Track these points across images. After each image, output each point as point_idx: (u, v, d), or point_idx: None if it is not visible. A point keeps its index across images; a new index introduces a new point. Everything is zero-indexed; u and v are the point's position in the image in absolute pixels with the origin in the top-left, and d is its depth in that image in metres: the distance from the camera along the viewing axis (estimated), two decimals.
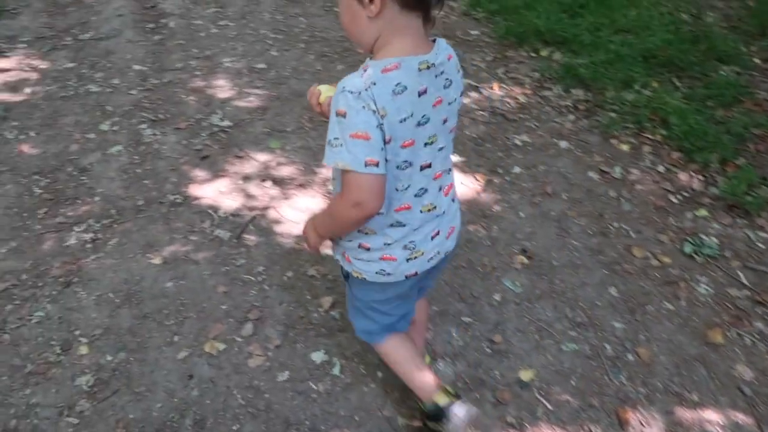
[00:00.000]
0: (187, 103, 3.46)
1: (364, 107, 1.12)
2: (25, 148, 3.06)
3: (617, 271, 2.43)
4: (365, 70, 1.16)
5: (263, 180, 2.88)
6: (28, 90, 3.57)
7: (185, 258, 2.43)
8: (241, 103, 3.46)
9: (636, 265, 2.46)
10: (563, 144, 3.16)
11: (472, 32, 4.32)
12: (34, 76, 3.72)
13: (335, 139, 1.16)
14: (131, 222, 2.61)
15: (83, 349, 2.06)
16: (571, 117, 3.37)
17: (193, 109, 3.40)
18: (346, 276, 1.55)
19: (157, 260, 2.42)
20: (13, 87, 3.59)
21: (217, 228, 2.59)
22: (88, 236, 2.53)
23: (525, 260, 2.46)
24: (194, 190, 2.80)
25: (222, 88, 3.60)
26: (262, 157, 3.04)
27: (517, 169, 2.98)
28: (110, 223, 2.60)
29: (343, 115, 1.14)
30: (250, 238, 2.55)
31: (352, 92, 1.13)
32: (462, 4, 4.72)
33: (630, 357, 2.10)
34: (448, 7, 4.71)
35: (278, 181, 2.86)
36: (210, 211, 2.68)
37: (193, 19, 4.49)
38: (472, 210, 2.72)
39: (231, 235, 2.56)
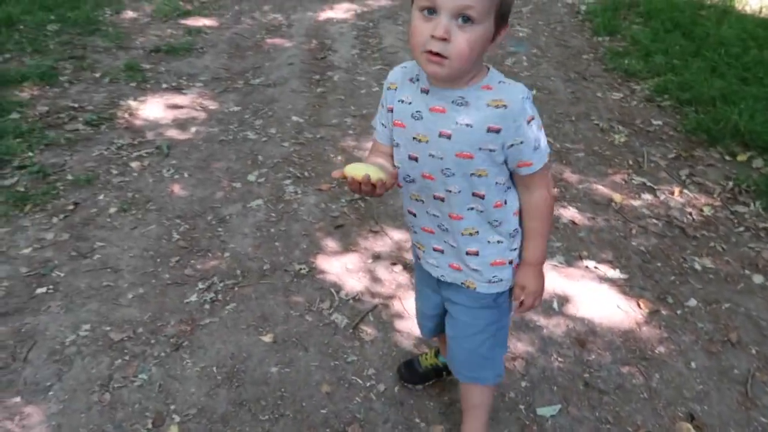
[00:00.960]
0: (334, 163, 3.38)
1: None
2: (176, 189, 3.14)
3: None
4: (509, 80, 1.30)
5: (393, 263, 2.66)
6: (193, 129, 3.72)
7: (296, 342, 2.26)
8: None
9: None
10: (757, 279, 2.57)
11: (655, 122, 3.82)
12: (202, 115, 3.89)
13: (541, 139, 1.31)
14: (252, 287, 2.51)
15: (173, 430, 1.93)
16: None
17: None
18: (496, 298, 1.54)
19: (267, 338, 2.27)
20: (182, 125, 3.77)
21: (335, 311, 2.40)
22: (209, 296, 2.46)
23: (692, 430, 1.95)
24: (322, 262, 2.65)
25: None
26: (398, 235, 2.83)
27: (692, 302, 2.46)
28: (233, 284, 2.52)
29: (534, 117, 1.28)
30: (367, 331, 2.31)
31: (528, 97, 1.27)
32: (646, 87, 4.23)
33: None
34: (627, 88, 4.26)
35: (409, 267, 2.62)
36: (332, 290, 2.51)
37: (358, 74, 4.50)
38: (628, 346, 2.26)
39: (348, 323, 2.35)
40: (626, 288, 2.53)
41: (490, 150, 1.27)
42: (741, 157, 3.36)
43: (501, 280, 1.48)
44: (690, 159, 3.42)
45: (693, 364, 2.19)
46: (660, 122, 3.81)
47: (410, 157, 1.36)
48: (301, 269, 2.61)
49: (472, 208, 1.38)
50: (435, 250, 1.51)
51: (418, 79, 1.32)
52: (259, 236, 2.81)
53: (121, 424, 1.95)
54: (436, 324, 1.75)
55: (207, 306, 2.42)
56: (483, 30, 1.16)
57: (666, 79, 4.16)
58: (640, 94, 4.17)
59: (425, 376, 2.08)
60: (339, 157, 3.43)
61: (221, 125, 3.78)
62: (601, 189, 3.17)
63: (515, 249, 1.46)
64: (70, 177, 3.18)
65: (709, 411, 2.02)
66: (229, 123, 3.81)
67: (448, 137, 1.28)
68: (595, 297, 2.48)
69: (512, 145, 1.27)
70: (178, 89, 4.21)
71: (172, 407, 2.01)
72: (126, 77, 4.31)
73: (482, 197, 1.35)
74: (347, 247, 2.75)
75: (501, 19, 1.19)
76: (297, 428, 1.95)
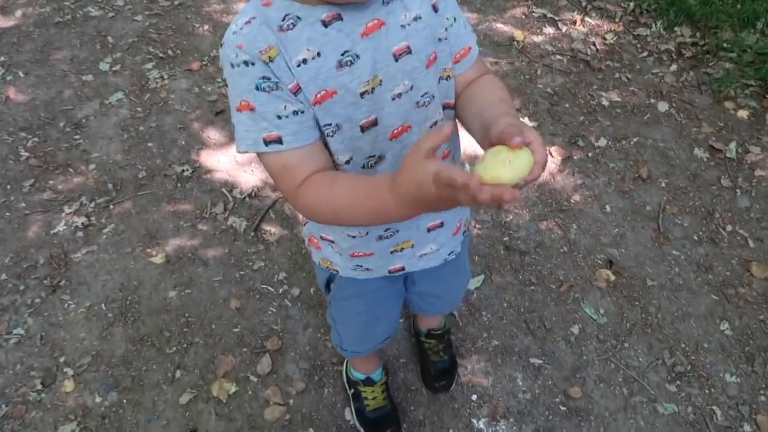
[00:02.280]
0: (201, 36, 2.88)
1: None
2: (12, 94, 2.59)
3: (730, 297, 1.91)
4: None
5: None
6: (18, 13, 3.02)
7: (192, 257, 2.01)
8: None
9: (755, 289, 1.93)
10: (662, 106, 2.51)
11: None
12: None
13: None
14: (130, 202, 2.17)
15: (68, 385, 1.71)
16: (674, 67, 2.68)
17: (207, 44, 2.83)
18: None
19: (158, 259, 2.00)
20: (1, 9, 3.04)
21: (231, 214, 2.14)
22: (80, 221, 2.11)
23: (611, 276, 1.96)
24: (206, 158, 2.32)
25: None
26: None
27: (602, 142, 2.38)
28: (106, 202, 2.17)
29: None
30: (271, 231, 2.09)
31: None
32: None
33: (747, 428, 1.64)
34: None
35: None
36: (224, 190, 2.22)
37: None
38: (544, 200, 2.18)
39: (247, 226, 2.10)
40: None
41: (442, 38, 0.93)
42: None
43: None
44: None
45: (608, 208, 2.15)
46: None
47: (364, 128, 0.90)
48: (183, 171, 2.27)
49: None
50: (431, 229, 1.12)
51: (299, 18, 0.82)
52: (127, 138, 2.40)
53: (4, 391, 1.69)
54: (395, 329, 1.46)
55: (80, 233, 2.08)
56: None
57: None
58: None
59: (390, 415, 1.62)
60: (206, 27, 2.92)
61: (53, 3, 3.08)
62: (502, 27, 2.91)
63: None
64: None
65: (626, 253, 2.02)
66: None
67: (408, 50, 0.88)
68: None
69: (450, 26, 0.94)
70: None
71: (62, 360, 1.76)
72: None
73: (452, 106, 1.01)
74: (233, 135, 2.41)
75: None
76: (210, 354, 1.77)
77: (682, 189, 2.21)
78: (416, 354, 1.76)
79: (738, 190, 2.20)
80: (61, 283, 1.94)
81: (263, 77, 0.81)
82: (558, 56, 2.75)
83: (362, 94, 0.87)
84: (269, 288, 1.93)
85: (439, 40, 0.92)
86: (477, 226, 2.09)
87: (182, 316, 1.86)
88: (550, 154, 2.33)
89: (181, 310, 1.87)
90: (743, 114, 2.45)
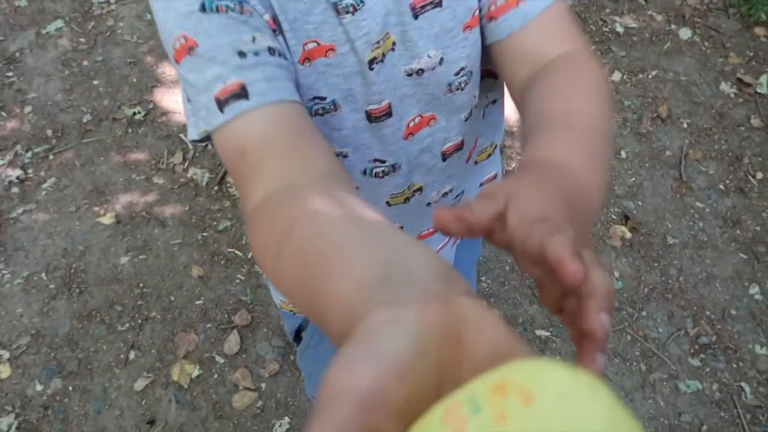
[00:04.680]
0: None
1: None
2: None
3: (760, 255, 1.69)
4: None
5: None
6: None
7: (147, 215, 1.74)
8: None
9: None
10: (684, 33, 2.20)
11: None
12: None
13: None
14: (74, 151, 1.88)
15: (4, 371, 1.47)
16: None
17: None
18: None
19: (108, 218, 1.73)
20: None
21: (191, 165, 1.85)
22: (14, 174, 1.82)
23: (627, 234, 1.72)
24: (161, 98, 2.00)
25: None
26: None
27: (617, 76, 2.08)
28: (45, 152, 1.87)
29: None
30: None
31: None
32: None
33: None
34: None
35: None
36: (182, 135, 1.92)
37: None
38: None
39: (210, 178, 1.82)
40: None
41: None
42: None
43: None
44: None
45: (623, 153, 1.89)
46: None
47: (372, 117, 0.60)
48: (135, 114, 1.96)
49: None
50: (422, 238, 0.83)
51: None
52: (69, 75, 2.06)
53: None
54: None
55: (15, 189, 1.79)
56: None
57: None
58: None
59: None
60: None
61: None
62: None
63: None
64: None
65: (643, 206, 1.78)
66: None
67: (435, 1, 0.55)
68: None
69: None
70: None
71: None
72: None
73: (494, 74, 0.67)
74: None
75: None
76: (169, 332, 1.54)
77: (706, 130, 1.94)
78: None
79: None
80: None
81: None
82: None
83: (371, 63, 0.55)
84: (237, 252, 1.67)
85: None
86: None
87: (136, 287, 1.61)
88: None
89: (134, 280, 1.62)
90: None
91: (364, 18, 0.53)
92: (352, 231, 0.34)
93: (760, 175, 1.84)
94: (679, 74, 2.09)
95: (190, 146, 1.89)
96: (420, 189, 0.70)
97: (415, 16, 0.55)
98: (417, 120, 0.62)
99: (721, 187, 1.82)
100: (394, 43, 0.56)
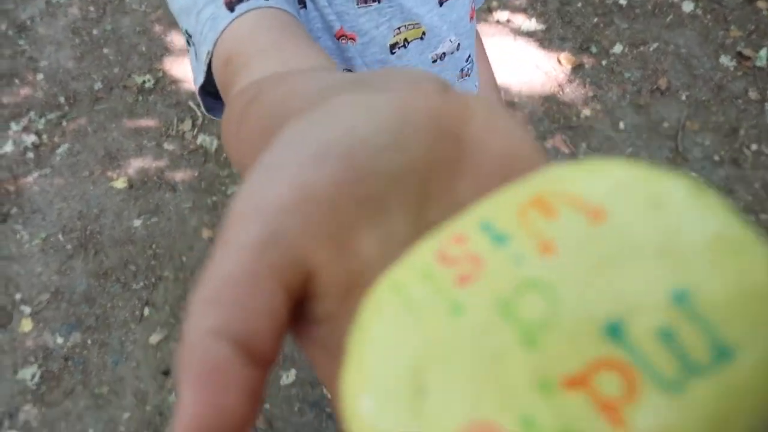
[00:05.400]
0: None
1: None
2: None
3: (751, 224, 1.74)
4: None
5: None
6: None
7: (158, 181, 1.80)
8: None
9: None
10: (687, 6, 2.22)
11: None
12: None
13: None
14: (86, 118, 1.93)
15: (26, 325, 1.55)
16: None
17: None
18: None
19: (120, 183, 1.79)
20: None
21: (200, 131, 1.91)
22: (29, 140, 1.88)
23: None
24: (170, 66, 2.05)
25: None
26: None
27: (618, 48, 2.11)
28: (58, 118, 1.93)
29: None
30: None
31: None
32: None
33: None
34: None
35: None
36: (191, 103, 1.97)
37: None
38: (551, 115, 1.95)
39: (219, 145, 1.88)
40: (545, 42, 2.13)
41: None
42: None
43: None
44: None
45: (621, 125, 1.94)
46: None
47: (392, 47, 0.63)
48: (144, 82, 2.01)
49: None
50: None
51: None
52: (79, 44, 2.11)
53: None
54: None
55: (30, 154, 1.85)
56: None
57: None
58: None
59: None
60: None
61: None
62: None
63: None
64: None
65: None
66: None
67: None
68: (510, 58, 2.09)
69: None
70: None
71: (18, 297, 1.60)
72: None
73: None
74: None
75: None
76: (181, 290, 1.61)
77: (704, 103, 1.98)
78: None
79: (767, 104, 1.98)
80: (12, 212, 1.74)
81: None
82: None
83: (392, 48, 0.58)
84: None
85: None
86: None
87: (149, 248, 1.68)
88: (559, 61, 2.07)
89: (147, 241, 1.69)
90: None
91: (390, 5, 0.56)
92: (320, 75, 0.23)
93: (754, 147, 1.89)
94: (680, 47, 2.12)
95: (199, 114, 1.94)
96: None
97: (440, 4, 0.60)
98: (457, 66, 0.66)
99: (716, 158, 1.87)
100: (424, 33, 0.59)
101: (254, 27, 0.38)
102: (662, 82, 2.02)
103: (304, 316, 0.16)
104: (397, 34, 0.58)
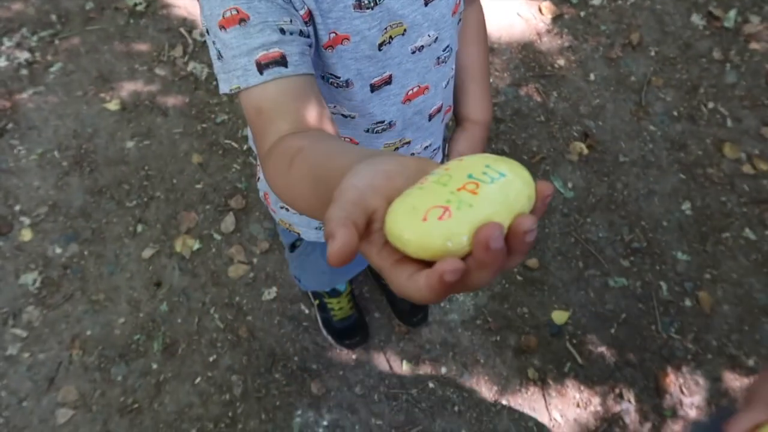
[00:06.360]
0: None
1: None
2: None
3: (697, 177, 1.92)
4: None
5: None
6: None
7: (150, 105, 1.88)
8: None
9: (723, 170, 1.93)
10: None
11: None
12: None
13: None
14: (78, 37, 1.98)
15: (26, 234, 1.68)
16: None
17: None
18: None
19: (113, 105, 1.88)
20: None
21: (191, 59, 1.97)
22: (23, 56, 1.93)
23: (584, 150, 1.92)
24: None
25: None
26: None
27: (597, 0, 2.20)
28: (51, 36, 1.97)
29: None
30: None
31: None
32: None
33: (687, 302, 1.74)
34: None
35: None
36: (182, 30, 2.02)
37: None
38: (527, 63, 2.06)
39: (209, 73, 1.96)
40: None
41: None
42: None
43: None
44: None
45: (592, 76, 2.06)
46: None
47: (375, 86, 0.75)
48: (136, 5, 2.05)
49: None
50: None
51: None
52: None
53: None
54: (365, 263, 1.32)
55: (24, 71, 1.91)
56: None
57: None
58: None
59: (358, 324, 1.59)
60: None
61: None
62: None
63: None
64: None
65: (602, 126, 1.97)
66: None
67: None
68: (493, 3, 2.16)
69: None
70: None
71: (17, 208, 1.71)
72: None
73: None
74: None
75: None
76: (172, 210, 1.74)
77: (671, 60, 2.10)
78: (383, 294, 1.67)
79: (728, 64, 2.10)
80: (9, 127, 1.82)
81: None
82: None
83: (380, 46, 0.70)
84: (233, 144, 1.85)
85: None
86: None
87: (142, 169, 1.79)
88: (540, 11, 2.15)
89: (140, 162, 1.80)
90: None
91: (381, 12, 0.68)
92: (349, 146, 0.54)
93: (711, 105, 2.03)
94: (656, 2, 2.21)
95: (190, 41, 2.00)
96: (408, 142, 0.89)
97: (426, 3, 0.71)
98: (415, 89, 0.80)
99: (675, 113, 2.01)
100: (405, 30, 0.71)
101: (278, 93, 0.58)
102: (634, 37, 2.12)
103: (368, 228, 0.36)
104: (385, 33, 0.70)
